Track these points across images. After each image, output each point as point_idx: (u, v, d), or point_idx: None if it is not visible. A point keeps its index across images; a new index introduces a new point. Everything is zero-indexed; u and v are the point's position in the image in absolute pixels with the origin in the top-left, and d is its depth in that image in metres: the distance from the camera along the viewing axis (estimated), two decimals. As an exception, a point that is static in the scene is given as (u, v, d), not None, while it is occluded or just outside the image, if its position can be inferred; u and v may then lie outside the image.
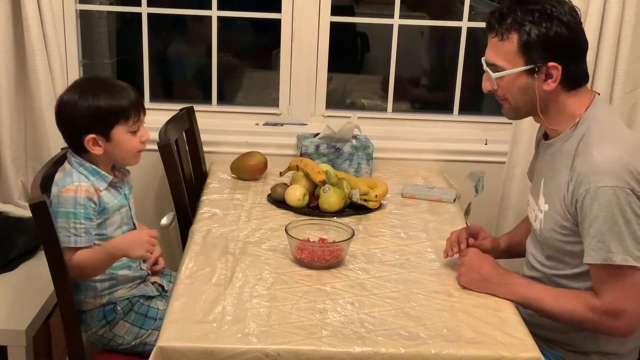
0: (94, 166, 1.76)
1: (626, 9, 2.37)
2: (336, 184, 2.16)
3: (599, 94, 1.67)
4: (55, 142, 2.45)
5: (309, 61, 2.65)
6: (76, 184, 1.72)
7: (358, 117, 2.47)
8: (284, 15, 2.61)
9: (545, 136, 1.74)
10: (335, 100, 2.99)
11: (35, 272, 2.25)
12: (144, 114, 1.81)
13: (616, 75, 2.45)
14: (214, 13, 2.64)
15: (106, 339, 1.84)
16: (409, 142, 2.67)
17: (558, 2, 1.58)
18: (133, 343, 1.83)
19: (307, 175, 2.17)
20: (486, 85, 1.68)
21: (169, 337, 1.42)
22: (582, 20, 1.62)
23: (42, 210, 1.63)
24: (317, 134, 2.47)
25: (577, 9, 1.60)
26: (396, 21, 2.65)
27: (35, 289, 2.14)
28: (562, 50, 1.57)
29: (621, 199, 1.49)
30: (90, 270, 1.74)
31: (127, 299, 1.82)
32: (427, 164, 2.65)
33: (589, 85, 1.67)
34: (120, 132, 1.75)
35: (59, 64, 2.45)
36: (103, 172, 1.77)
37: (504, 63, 1.61)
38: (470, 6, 2.67)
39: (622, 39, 2.41)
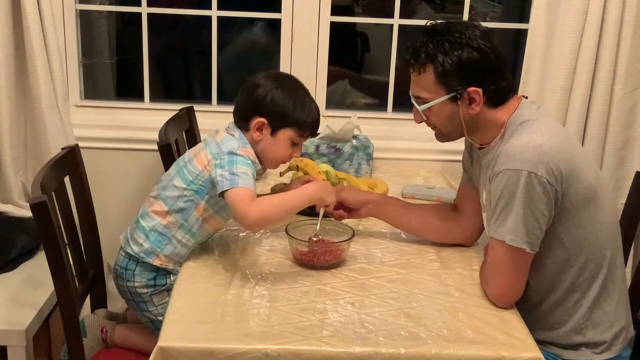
0: (254, 152, 1.77)
1: (626, 9, 2.38)
2: (336, 184, 2.16)
3: (526, 97, 1.72)
4: (55, 142, 2.45)
5: (309, 61, 2.66)
6: (253, 152, 1.76)
7: (358, 117, 2.48)
8: (284, 15, 2.61)
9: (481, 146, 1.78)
10: (335, 100, 2.99)
11: (35, 272, 2.25)
12: (312, 136, 1.87)
13: (616, 75, 2.45)
14: (214, 13, 2.64)
15: (139, 299, 1.84)
16: (409, 142, 2.67)
17: (467, 27, 1.64)
18: (160, 318, 1.79)
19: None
20: (416, 118, 1.75)
21: (170, 337, 1.42)
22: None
23: (42, 210, 1.63)
24: (317, 134, 2.47)
25: (487, 32, 1.66)
26: (396, 21, 2.66)
27: (35, 289, 2.14)
28: (478, 74, 1.63)
29: (521, 180, 1.54)
30: (276, 213, 1.68)
31: None
32: (427, 164, 2.65)
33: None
34: (285, 135, 1.78)
35: (59, 64, 2.45)
36: (257, 162, 1.78)
37: (427, 95, 1.68)
38: (471, 6, 2.67)
39: (622, 39, 2.41)
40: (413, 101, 1.73)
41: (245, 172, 1.66)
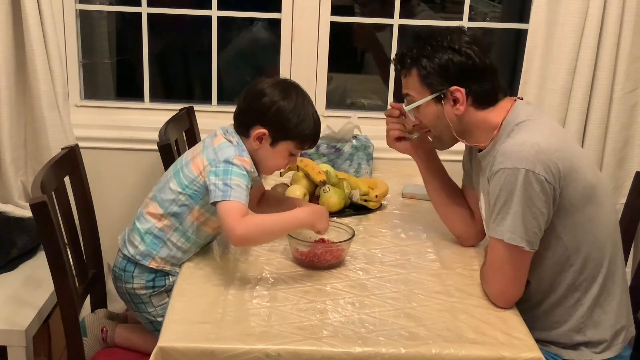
0: (251, 159, 1.75)
1: (626, 9, 2.38)
2: (336, 184, 2.16)
3: (521, 99, 1.73)
4: (55, 142, 2.45)
5: (309, 61, 2.66)
6: (249, 162, 1.73)
7: (358, 117, 2.48)
8: (284, 15, 2.62)
9: (480, 149, 1.78)
10: (335, 100, 2.99)
11: (35, 272, 2.25)
12: (311, 148, 1.86)
13: (616, 75, 2.45)
14: (214, 13, 2.64)
15: (138, 300, 1.83)
16: (409, 142, 2.66)
17: (451, 32, 1.70)
18: (159, 319, 1.79)
19: (307, 176, 2.17)
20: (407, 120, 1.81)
21: (170, 337, 1.42)
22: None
23: (42, 210, 1.63)
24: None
25: (476, 37, 1.70)
26: (396, 21, 2.65)
27: (35, 289, 2.14)
28: (458, 74, 1.67)
29: (519, 179, 1.54)
30: (262, 234, 1.67)
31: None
32: (427, 164, 2.64)
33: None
34: (284, 147, 1.76)
35: (59, 64, 2.45)
36: (254, 170, 1.76)
37: (414, 96, 1.74)
38: (470, 6, 2.67)
39: (622, 39, 2.41)
40: (404, 104, 1.78)
41: (239, 184, 1.65)
